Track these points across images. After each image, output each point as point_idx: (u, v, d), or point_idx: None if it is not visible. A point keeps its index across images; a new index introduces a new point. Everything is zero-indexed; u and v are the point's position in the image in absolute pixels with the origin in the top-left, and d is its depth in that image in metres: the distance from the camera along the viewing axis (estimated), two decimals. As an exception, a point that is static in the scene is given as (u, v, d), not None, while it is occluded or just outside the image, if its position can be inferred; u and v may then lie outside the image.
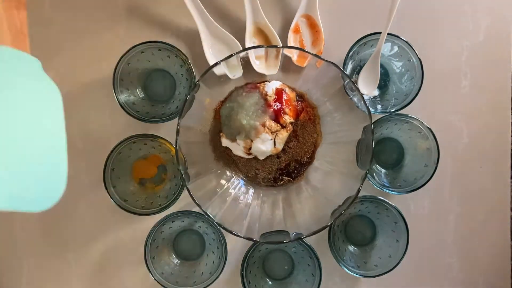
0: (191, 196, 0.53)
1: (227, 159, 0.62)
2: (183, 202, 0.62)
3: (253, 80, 0.60)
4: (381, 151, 0.66)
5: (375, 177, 0.63)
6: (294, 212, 0.60)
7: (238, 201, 0.60)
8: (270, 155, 0.59)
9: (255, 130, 0.55)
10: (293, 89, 0.60)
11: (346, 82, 0.55)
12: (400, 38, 0.59)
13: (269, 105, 0.55)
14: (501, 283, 0.66)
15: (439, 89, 0.66)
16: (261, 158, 0.58)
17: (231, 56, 0.53)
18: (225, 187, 0.61)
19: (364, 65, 0.62)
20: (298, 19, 0.63)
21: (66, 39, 0.64)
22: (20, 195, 0.28)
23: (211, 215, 0.53)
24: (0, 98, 0.27)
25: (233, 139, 0.57)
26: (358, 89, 0.53)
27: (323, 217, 0.55)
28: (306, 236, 0.53)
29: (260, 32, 0.62)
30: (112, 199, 0.58)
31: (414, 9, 0.65)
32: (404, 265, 0.58)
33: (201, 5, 0.61)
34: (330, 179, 0.60)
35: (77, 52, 0.64)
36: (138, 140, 0.59)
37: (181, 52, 0.59)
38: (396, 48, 0.61)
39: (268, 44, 0.63)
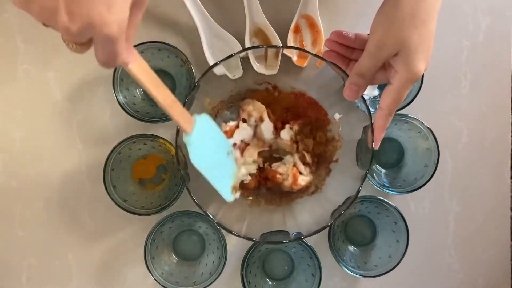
0: (191, 196, 0.53)
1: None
2: (183, 202, 0.62)
3: (253, 80, 0.60)
4: (381, 151, 0.65)
5: (375, 177, 0.63)
6: (294, 212, 0.60)
7: (238, 201, 0.60)
8: None
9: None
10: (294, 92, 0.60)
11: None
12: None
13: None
14: (501, 283, 0.66)
15: (439, 89, 0.66)
16: None
17: (231, 56, 0.53)
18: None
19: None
20: (298, 19, 0.63)
21: (66, 39, 0.64)
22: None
23: (211, 215, 0.53)
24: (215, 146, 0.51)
25: None
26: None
27: (323, 217, 0.55)
28: (306, 236, 0.53)
29: (260, 32, 0.62)
30: (112, 199, 0.58)
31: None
32: (404, 265, 0.58)
33: (201, 5, 0.61)
34: (330, 179, 0.60)
35: (77, 52, 0.64)
36: (138, 140, 0.59)
37: (181, 52, 0.59)
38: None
39: (268, 44, 0.63)
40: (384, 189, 0.61)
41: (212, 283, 0.59)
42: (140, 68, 0.38)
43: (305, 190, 0.60)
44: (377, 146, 0.49)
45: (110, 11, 0.30)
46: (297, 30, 0.63)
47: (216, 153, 0.52)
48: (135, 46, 0.57)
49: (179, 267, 0.63)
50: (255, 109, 0.58)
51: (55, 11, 0.29)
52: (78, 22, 0.30)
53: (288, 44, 0.63)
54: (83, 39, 0.32)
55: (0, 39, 0.64)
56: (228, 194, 0.53)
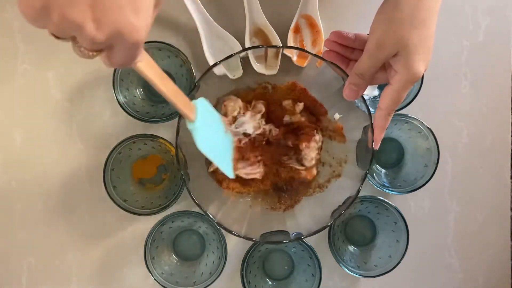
0: (191, 196, 0.53)
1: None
2: (183, 202, 0.62)
3: (253, 80, 0.60)
4: (381, 151, 0.65)
5: (375, 177, 0.63)
6: (294, 212, 0.60)
7: (238, 201, 0.60)
8: None
9: None
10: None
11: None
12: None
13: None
14: (501, 283, 0.66)
15: (439, 89, 0.66)
16: None
17: (231, 56, 0.53)
18: (225, 187, 0.61)
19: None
20: (298, 19, 0.63)
21: (66, 39, 0.64)
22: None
23: (211, 215, 0.53)
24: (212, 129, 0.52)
25: None
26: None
27: (323, 217, 0.55)
28: (306, 236, 0.53)
29: (260, 32, 0.62)
30: (112, 199, 0.58)
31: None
32: (404, 265, 0.58)
33: (201, 5, 0.61)
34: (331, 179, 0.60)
35: (77, 52, 0.64)
36: (138, 140, 0.59)
37: (181, 52, 0.59)
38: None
39: (268, 44, 0.63)
40: (384, 189, 0.61)
41: (212, 283, 0.59)
42: (147, 65, 0.38)
43: (307, 188, 0.60)
44: (377, 146, 0.49)
45: (139, 17, 0.29)
46: (297, 30, 0.63)
47: (216, 134, 0.53)
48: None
49: (179, 267, 0.63)
50: (236, 105, 0.58)
51: (81, 21, 0.27)
52: (105, 30, 0.28)
53: (288, 44, 0.63)
54: (104, 46, 0.30)
55: (0, 39, 0.64)
56: (230, 171, 0.54)
